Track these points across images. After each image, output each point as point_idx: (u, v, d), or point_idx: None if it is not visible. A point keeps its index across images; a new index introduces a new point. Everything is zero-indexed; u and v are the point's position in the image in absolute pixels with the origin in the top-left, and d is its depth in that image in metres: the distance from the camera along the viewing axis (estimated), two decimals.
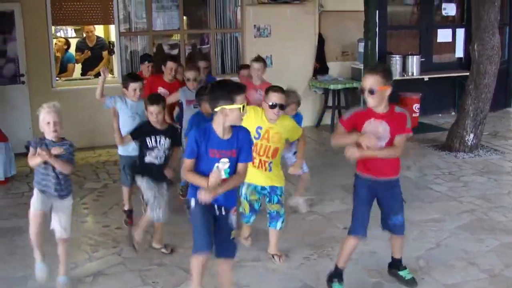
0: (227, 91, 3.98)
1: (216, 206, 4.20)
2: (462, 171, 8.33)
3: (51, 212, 4.86)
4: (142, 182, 5.49)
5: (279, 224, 5.41)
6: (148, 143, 5.45)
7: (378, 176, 4.60)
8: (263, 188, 5.36)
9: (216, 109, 4.00)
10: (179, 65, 7.86)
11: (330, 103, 11.25)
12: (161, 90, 7.26)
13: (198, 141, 4.03)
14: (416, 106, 11.10)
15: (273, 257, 5.49)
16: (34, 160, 4.61)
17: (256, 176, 5.26)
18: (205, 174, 4.03)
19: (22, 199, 7.19)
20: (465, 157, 9.02)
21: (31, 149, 4.65)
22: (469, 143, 9.20)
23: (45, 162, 4.62)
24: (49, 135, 4.68)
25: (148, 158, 5.47)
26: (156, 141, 5.45)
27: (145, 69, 8.17)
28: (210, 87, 4.21)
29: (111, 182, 8.05)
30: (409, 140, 9.75)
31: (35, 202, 4.79)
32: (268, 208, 5.42)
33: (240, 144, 4.14)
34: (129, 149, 6.00)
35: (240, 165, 4.18)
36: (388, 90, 4.39)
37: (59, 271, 4.96)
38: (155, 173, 5.46)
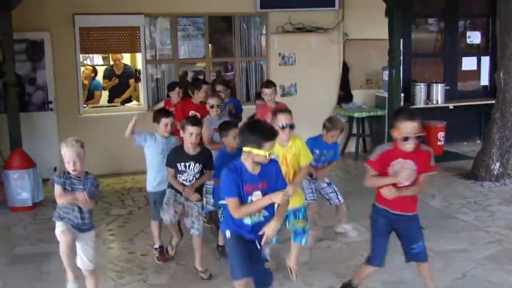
0: (258, 136, 4.06)
1: (251, 239, 4.27)
2: (488, 200, 8.25)
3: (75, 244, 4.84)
4: (169, 192, 5.72)
5: (304, 240, 5.46)
6: (178, 167, 5.62)
7: (398, 211, 4.63)
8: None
9: (244, 149, 4.11)
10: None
11: (354, 131, 11.26)
12: (192, 113, 7.41)
13: (234, 179, 4.10)
14: (441, 134, 11.05)
15: (290, 270, 5.51)
16: (63, 199, 4.58)
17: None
18: None
19: (50, 225, 7.19)
20: (491, 186, 8.93)
21: (57, 186, 4.59)
22: (495, 172, 9.12)
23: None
24: (71, 172, 4.65)
25: (179, 179, 5.67)
26: (185, 166, 5.60)
27: (175, 95, 8.31)
28: (244, 126, 4.32)
29: (136, 209, 8.12)
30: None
31: (60, 226, 4.73)
32: (294, 224, 5.45)
33: (270, 175, 4.22)
34: (154, 184, 6.13)
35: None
36: (424, 132, 4.50)
37: None
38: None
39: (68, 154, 4.60)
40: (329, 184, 6.71)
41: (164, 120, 6.10)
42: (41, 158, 8.79)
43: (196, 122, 5.68)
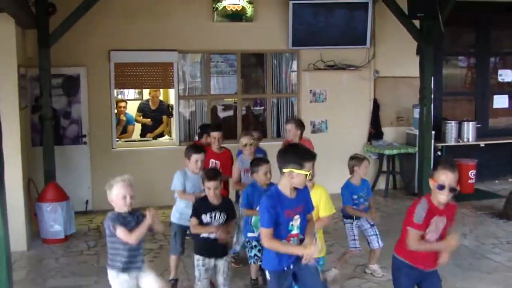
0: (299, 156, 4.20)
1: (290, 266, 4.35)
2: None
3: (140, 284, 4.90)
4: (197, 261, 5.54)
5: None
6: (203, 219, 5.43)
7: (421, 267, 4.53)
8: None
9: (284, 170, 4.19)
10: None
11: (384, 168, 11.22)
12: (212, 161, 7.37)
13: (273, 208, 4.17)
14: (472, 173, 10.96)
15: None
16: (135, 236, 4.62)
17: None
18: (283, 237, 4.23)
19: (82, 257, 7.37)
20: None
21: (122, 229, 4.60)
22: None
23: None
24: (123, 208, 4.69)
25: (203, 234, 5.47)
26: (211, 217, 5.43)
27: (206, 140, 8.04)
28: (283, 149, 4.45)
29: (166, 243, 8.14)
30: (465, 207, 9.69)
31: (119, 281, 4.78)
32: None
33: (304, 199, 4.37)
34: (178, 215, 6.19)
35: (309, 216, 4.46)
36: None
37: None
38: (209, 248, 5.46)
39: (125, 190, 4.69)
40: (372, 225, 6.69)
41: (195, 156, 6.15)
42: (73, 191, 8.91)
43: (212, 176, 5.46)
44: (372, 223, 6.68)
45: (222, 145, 7.59)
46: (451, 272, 6.78)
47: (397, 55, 11.15)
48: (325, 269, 6.55)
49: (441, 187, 4.34)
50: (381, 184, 11.19)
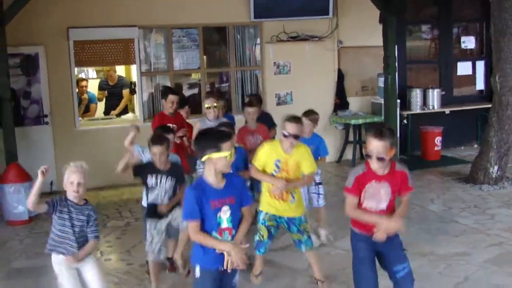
0: (213, 139, 3.93)
1: (222, 267, 4.01)
2: (488, 204, 8.22)
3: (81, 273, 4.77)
4: (149, 225, 5.49)
5: (303, 247, 5.46)
6: (149, 182, 5.39)
7: (370, 234, 4.30)
8: (280, 217, 5.40)
9: (203, 159, 3.93)
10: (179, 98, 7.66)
11: (351, 138, 11.23)
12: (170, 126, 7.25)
13: (197, 199, 3.90)
14: (438, 139, 11.04)
15: (316, 283, 5.56)
16: (30, 197, 4.49)
17: (274, 206, 5.33)
18: (212, 230, 3.94)
19: (47, 238, 7.17)
20: (490, 189, 8.90)
21: (45, 206, 4.52)
22: (494, 175, 9.10)
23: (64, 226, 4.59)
24: (70, 194, 4.58)
25: (150, 198, 5.44)
26: (156, 181, 5.37)
27: (169, 105, 7.61)
28: (196, 137, 4.19)
29: (133, 220, 8.07)
30: (432, 174, 9.78)
31: (64, 278, 4.66)
32: (290, 235, 5.51)
33: (237, 190, 4.07)
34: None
35: (244, 210, 4.13)
36: (393, 153, 4.24)
37: None
38: (158, 212, 5.43)
39: (75, 175, 4.55)
40: (318, 184, 6.70)
41: (153, 149, 5.98)
42: (37, 172, 8.70)
43: (157, 141, 5.38)
44: (319, 181, 6.68)
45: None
46: (420, 236, 6.84)
47: (360, 25, 11.12)
48: (313, 232, 6.60)
49: (368, 156, 4.20)
50: (349, 154, 11.21)
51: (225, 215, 3.98)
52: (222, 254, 3.93)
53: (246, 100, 8.09)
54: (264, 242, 5.44)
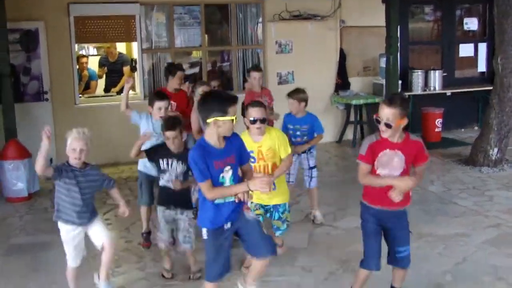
0: (220, 102, 3.93)
1: (229, 225, 4.16)
2: (487, 186, 8.23)
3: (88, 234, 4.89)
4: (159, 212, 5.47)
5: (278, 233, 5.49)
6: (161, 165, 5.37)
7: (386, 206, 4.41)
8: (265, 205, 5.34)
9: (208, 121, 3.93)
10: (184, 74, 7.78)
11: (352, 118, 11.21)
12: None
13: (201, 159, 3.95)
14: (438, 121, 11.01)
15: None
16: (38, 161, 4.55)
17: (258, 195, 5.07)
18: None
19: (46, 215, 7.23)
20: (490, 171, 8.91)
21: (51, 169, 4.57)
22: (494, 157, 9.09)
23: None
24: (72, 160, 4.64)
25: (162, 182, 5.40)
26: (168, 164, 5.33)
27: (176, 81, 7.57)
28: (202, 98, 4.13)
29: (133, 198, 8.03)
30: (432, 155, 9.76)
31: (70, 253, 4.80)
32: (271, 221, 5.46)
33: (236, 149, 4.15)
34: (148, 165, 5.90)
35: (245, 167, 4.25)
36: (405, 122, 4.26)
37: (99, 275, 4.97)
38: (169, 197, 5.36)
39: (76, 142, 4.59)
40: (311, 168, 6.69)
41: (158, 104, 5.98)
42: (37, 149, 8.63)
43: (171, 126, 5.34)
44: (312, 165, 6.68)
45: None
46: (419, 217, 6.83)
47: (363, 5, 11.06)
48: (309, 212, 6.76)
49: (378, 122, 4.27)
50: (349, 134, 11.20)
51: (227, 174, 4.06)
52: (225, 213, 4.08)
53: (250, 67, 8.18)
54: (282, 228, 5.43)
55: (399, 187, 4.21)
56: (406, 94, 11.21)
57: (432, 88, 11.57)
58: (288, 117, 6.63)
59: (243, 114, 6.04)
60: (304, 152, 6.58)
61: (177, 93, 7.33)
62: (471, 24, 12.52)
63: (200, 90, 6.77)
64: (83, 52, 12.35)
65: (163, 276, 5.55)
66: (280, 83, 10.86)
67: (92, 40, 11.12)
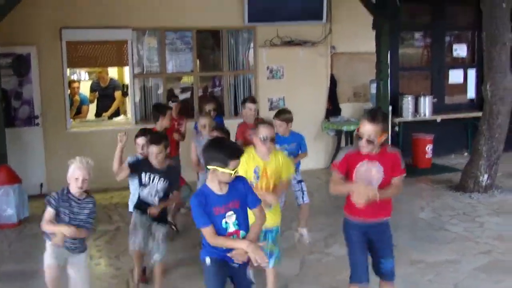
0: (223, 154, 3.91)
1: (232, 262, 4.11)
2: (477, 212, 8.25)
3: (67, 265, 4.82)
4: (135, 215, 5.49)
5: (272, 262, 5.20)
6: (142, 179, 5.43)
7: (368, 218, 4.45)
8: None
9: (209, 167, 3.96)
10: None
11: (343, 144, 11.23)
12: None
13: (201, 206, 3.95)
14: (428, 147, 11.06)
15: None
16: (48, 227, 4.57)
17: (251, 217, 5.14)
18: (220, 233, 3.99)
19: (36, 241, 7.13)
20: (480, 197, 8.93)
21: (49, 209, 4.56)
22: (484, 184, 9.13)
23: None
24: (74, 189, 4.63)
25: (141, 194, 5.47)
26: (149, 178, 5.40)
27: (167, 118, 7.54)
28: (208, 143, 4.12)
29: (123, 224, 7.99)
30: (422, 182, 9.79)
31: (49, 256, 4.75)
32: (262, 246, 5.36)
33: (240, 194, 4.09)
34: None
35: (255, 211, 4.17)
36: (385, 137, 4.35)
37: None
38: (146, 210, 5.41)
39: (79, 172, 4.60)
40: (299, 181, 6.74)
41: (139, 140, 6.01)
42: (27, 174, 8.70)
43: (156, 140, 5.39)
44: (300, 179, 6.72)
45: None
46: (409, 244, 6.85)
47: (354, 31, 11.14)
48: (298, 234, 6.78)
49: (359, 137, 4.32)
50: None
51: (230, 219, 4.03)
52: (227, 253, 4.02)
53: (245, 98, 8.16)
54: (274, 255, 5.30)
55: (358, 192, 4.24)
56: (397, 120, 11.31)
57: (422, 114, 11.64)
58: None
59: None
60: None
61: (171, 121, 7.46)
62: (460, 50, 12.66)
63: (201, 121, 6.88)
64: (74, 77, 12.37)
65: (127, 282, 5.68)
66: (271, 108, 10.88)
67: (84, 65, 11.17)
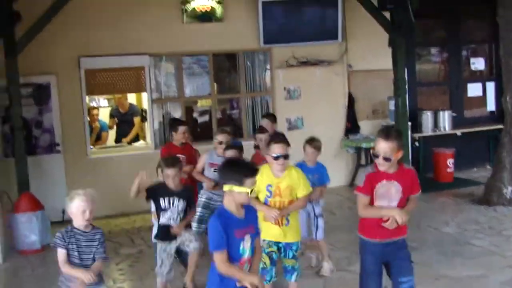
0: (239, 173, 3.88)
1: None
2: (503, 225, 8.13)
3: None
4: (159, 247, 5.51)
5: (294, 277, 5.35)
6: (161, 204, 5.45)
7: (384, 238, 4.43)
8: (277, 243, 5.27)
9: (224, 188, 3.91)
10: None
11: (363, 162, 11.18)
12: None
13: (223, 227, 3.84)
14: (450, 161, 10.97)
15: None
16: (67, 270, 4.47)
17: (271, 231, 5.14)
18: (234, 261, 3.89)
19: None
20: (505, 210, 8.80)
21: (61, 251, 4.47)
22: (508, 196, 9.02)
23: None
24: (81, 223, 4.54)
25: (162, 220, 5.48)
26: (169, 202, 5.43)
27: (180, 136, 7.56)
28: (223, 163, 4.13)
29: (146, 247, 8.02)
30: (445, 196, 9.69)
31: None
32: (283, 261, 5.36)
33: (254, 220, 4.10)
34: None
35: (256, 242, 4.12)
36: (401, 155, 4.36)
37: None
38: (169, 233, 5.44)
39: (85, 204, 4.51)
40: (317, 216, 6.55)
41: (166, 171, 5.85)
42: (49, 201, 8.74)
43: (171, 163, 5.48)
44: (319, 213, 6.54)
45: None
46: (435, 259, 6.77)
47: (370, 48, 11.14)
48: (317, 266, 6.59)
49: (376, 156, 4.34)
50: (361, 178, 11.12)
51: (247, 244, 3.96)
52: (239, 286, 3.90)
53: (261, 122, 8.11)
54: (267, 269, 5.26)
55: (394, 218, 4.28)
56: (416, 135, 11.24)
57: (442, 129, 11.55)
58: (300, 166, 6.37)
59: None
60: (310, 201, 6.48)
61: (183, 146, 7.40)
62: (478, 64, 12.60)
63: (219, 137, 6.82)
64: (93, 103, 12.49)
65: None
66: (290, 128, 10.88)
67: (102, 92, 11.26)
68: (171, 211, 5.42)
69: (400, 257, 4.50)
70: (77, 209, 4.53)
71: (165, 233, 5.47)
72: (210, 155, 6.87)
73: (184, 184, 5.72)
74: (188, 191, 5.61)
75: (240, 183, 3.84)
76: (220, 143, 6.84)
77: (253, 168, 4.04)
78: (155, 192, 5.51)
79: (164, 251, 5.49)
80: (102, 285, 4.78)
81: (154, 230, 6.07)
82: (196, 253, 5.58)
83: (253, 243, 4.02)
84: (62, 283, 4.64)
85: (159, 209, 5.49)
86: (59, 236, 4.54)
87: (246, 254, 3.96)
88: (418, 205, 4.59)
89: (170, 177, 5.41)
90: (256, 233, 4.07)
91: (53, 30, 8.96)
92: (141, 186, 5.60)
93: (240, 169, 3.93)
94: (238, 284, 3.90)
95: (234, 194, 3.88)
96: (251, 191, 3.90)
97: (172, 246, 5.52)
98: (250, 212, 4.06)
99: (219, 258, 3.85)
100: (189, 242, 5.55)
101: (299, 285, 5.59)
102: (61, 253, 4.50)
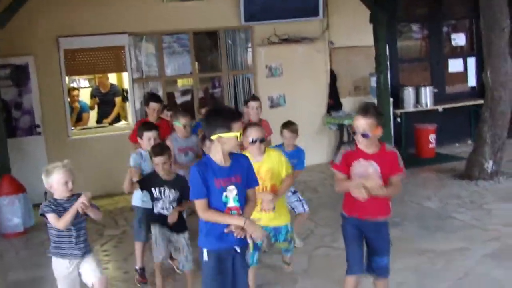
0: (225, 119, 3.87)
1: (232, 248, 4.03)
2: (484, 199, 8.21)
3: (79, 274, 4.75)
4: (154, 229, 5.45)
5: (288, 254, 5.68)
6: (154, 194, 5.38)
7: (365, 217, 4.45)
8: (265, 227, 5.22)
9: (212, 137, 3.89)
10: (162, 105, 7.63)
11: (345, 139, 11.21)
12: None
13: (202, 175, 3.87)
14: (432, 137, 11.04)
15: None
16: (64, 221, 4.45)
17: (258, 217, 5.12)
18: (217, 208, 3.91)
19: (43, 249, 7.13)
20: (486, 184, 8.89)
21: (51, 214, 4.46)
22: (489, 171, 9.09)
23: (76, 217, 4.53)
24: (65, 194, 4.53)
25: (156, 209, 5.41)
26: (160, 192, 5.36)
27: (150, 112, 7.31)
28: (207, 114, 4.09)
29: (129, 228, 7.97)
30: (427, 171, 9.76)
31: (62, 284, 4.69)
32: (277, 245, 5.48)
33: (243, 170, 4.04)
34: (145, 198, 5.81)
35: (249, 192, 4.10)
36: (380, 132, 4.32)
37: None
38: (164, 222, 5.37)
39: (63, 175, 4.50)
40: (294, 193, 6.57)
41: (147, 134, 5.89)
42: (31, 183, 8.64)
43: (159, 152, 5.39)
44: (293, 190, 6.53)
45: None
46: (417, 234, 6.84)
47: (351, 25, 11.11)
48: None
49: (354, 132, 4.35)
50: None
51: (231, 194, 3.95)
52: (227, 234, 3.92)
53: (247, 98, 8.03)
54: (250, 253, 5.17)
55: (362, 184, 4.21)
56: (398, 111, 11.27)
57: (423, 105, 11.58)
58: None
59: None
60: None
61: (158, 122, 7.25)
62: (459, 39, 12.62)
63: (182, 121, 6.65)
64: (74, 84, 12.35)
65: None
66: (272, 106, 10.87)
67: (82, 72, 11.15)
68: (163, 200, 5.36)
69: (378, 237, 4.52)
70: (58, 181, 4.51)
71: (161, 222, 5.39)
72: (175, 140, 6.62)
73: (177, 174, 5.62)
74: (181, 181, 5.47)
75: (228, 129, 3.84)
76: (184, 126, 6.64)
77: (236, 112, 4.10)
78: (147, 182, 5.45)
79: (159, 232, 5.41)
80: (91, 253, 4.80)
81: (134, 202, 6.13)
82: (190, 275, 5.51)
83: (241, 193, 3.99)
84: (53, 253, 4.67)
85: (151, 199, 5.43)
86: (45, 204, 4.53)
87: (230, 203, 3.94)
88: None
89: (160, 165, 5.34)
90: (243, 184, 4.01)
91: (31, 10, 8.81)
92: (133, 178, 5.61)
93: (225, 115, 3.91)
94: (225, 230, 3.91)
95: (223, 141, 3.87)
96: (240, 135, 3.91)
97: (167, 231, 5.43)
98: (239, 162, 4.04)
99: (198, 206, 3.93)
100: (184, 259, 5.46)
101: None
102: (52, 216, 4.47)
